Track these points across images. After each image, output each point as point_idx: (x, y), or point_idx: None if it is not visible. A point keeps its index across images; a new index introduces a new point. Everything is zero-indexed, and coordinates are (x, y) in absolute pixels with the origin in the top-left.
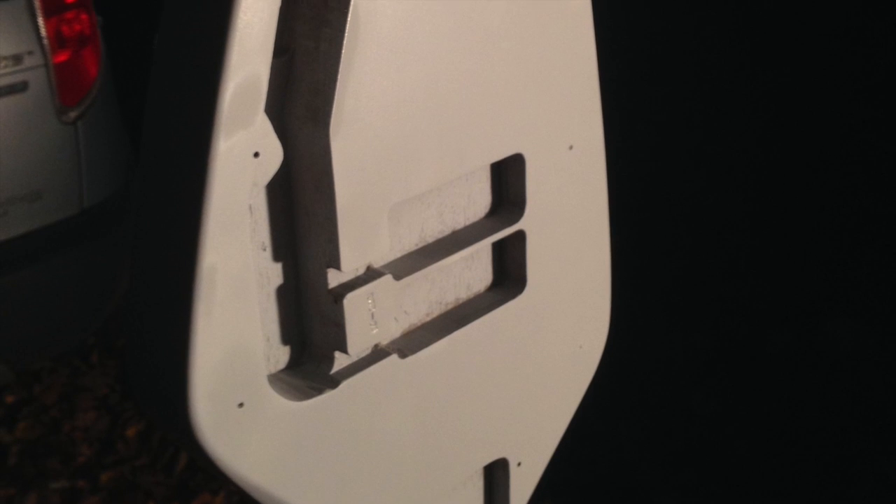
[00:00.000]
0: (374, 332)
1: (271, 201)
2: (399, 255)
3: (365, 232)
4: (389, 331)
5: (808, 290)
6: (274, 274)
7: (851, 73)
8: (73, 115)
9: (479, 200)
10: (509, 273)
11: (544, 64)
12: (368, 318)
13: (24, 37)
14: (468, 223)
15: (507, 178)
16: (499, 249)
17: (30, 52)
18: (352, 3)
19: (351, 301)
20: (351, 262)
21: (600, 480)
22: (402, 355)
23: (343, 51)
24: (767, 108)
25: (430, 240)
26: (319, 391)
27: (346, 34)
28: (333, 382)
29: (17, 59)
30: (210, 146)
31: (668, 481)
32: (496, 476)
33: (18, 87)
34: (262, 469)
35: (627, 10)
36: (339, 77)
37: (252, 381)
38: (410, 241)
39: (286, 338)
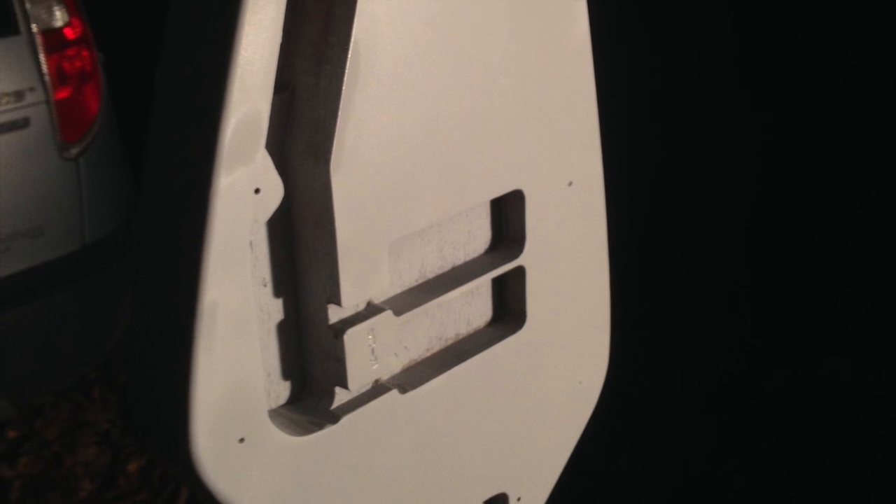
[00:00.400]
0: (375, 367)
1: (272, 237)
2: (399, 290)
3: (365, 268)
4: (390, 366)
5: (807, 327)
6: (275, 309)
7: (852, 110)
8: (74, 151)
9: (478, 236)
10: (509, 308)
11: (544, 100)
12: (369, 353)
13: (25, 73)
14: (468, 259)
15: (507, 214)
16: (498, 285)
17: (31, 89)
18: (352, 39)
19: (351, 337)
20: (351, 297)
21: None
22: (403, 390)
23: (343, 87)
24: (766, 145)
25: (431, 275)
26: (320, 426)
27: (346, 71)
28: (334, 418)
29: (18, 95)
30: (211, 182)
31: None
32: None
33: (20, 124)
34: None
35: (627, 46)
36: (340, 113)
37: (253, 417)
38: (411, 277)
39: (287, 373)
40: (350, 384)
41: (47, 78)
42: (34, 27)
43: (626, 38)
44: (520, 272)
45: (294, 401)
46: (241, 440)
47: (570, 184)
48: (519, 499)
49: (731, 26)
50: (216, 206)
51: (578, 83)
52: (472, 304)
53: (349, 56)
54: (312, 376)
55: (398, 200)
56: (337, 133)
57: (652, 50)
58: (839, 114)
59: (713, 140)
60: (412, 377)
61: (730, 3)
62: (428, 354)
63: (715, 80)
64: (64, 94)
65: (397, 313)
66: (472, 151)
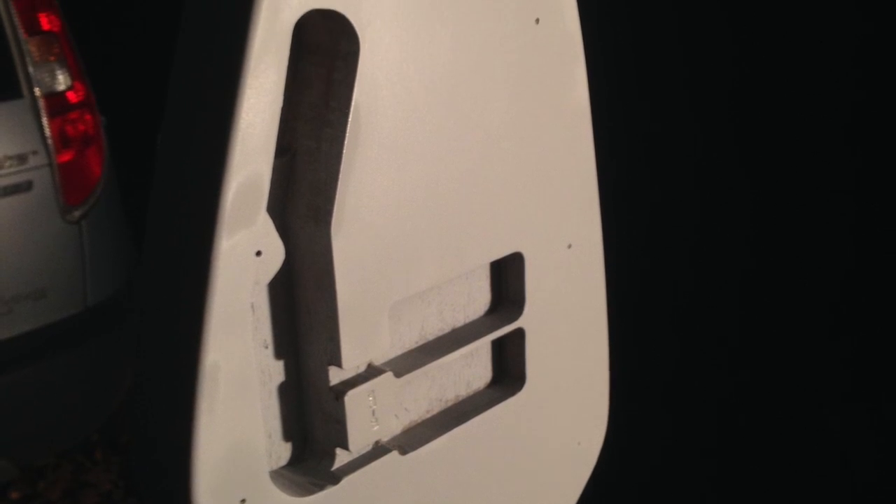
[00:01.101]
0: (375, 428)
1: (273, 299)
2: (400, 352)
3: (366, 330)
4: (390, 427)
5: (805, 382)
6: (276, 371)
7: (844, 182)
8: (77, 214)
9: (478, 298)
10: (508, 370)
11: (543, 163)
12: (369, 415)
13: (28, 137)
14: (468, 321)
15: (507, 277)
16: (498, 347)
17: (34, 152)
18: (353, 103)
19: (352, 398)
20: (352, 359)
21: None
22: (403, 452)
23: (344, 151)
24: (761, 215)
25: (431, 337)
26: (321, 487)
27: (347, 134)
28: (335, 479)
29: (21, 158)
30: (212, 245)
31: None
32: None
33: (23, 187)
34: None
35: (626, 111)
36: (341, 176)
37: (254, 478)
38: (411, 339)
39: (288, 434)
40: (351, 445)
41: (50, 141)
42: (37, 91)
43: (625, 100)
44: (519, 334)
45: (295, 462)
46: (243, 501)
47: (570, 246)
48: None
49: (727, 93)
50: (218, 269)
51: (577, 146)
52: (471, 366)
53: (350, 120)
54: (313, 437)
55: (399, 263)
56: (338, 196)
57: (652, 115)
58: (833, 174)
59: (711, 204)
60: (412, 438)
61: (728, 69)
62: (428, 416)
63: (715, 148)
64: (67, 157)
65: (398, 375)
66: (473, 214)
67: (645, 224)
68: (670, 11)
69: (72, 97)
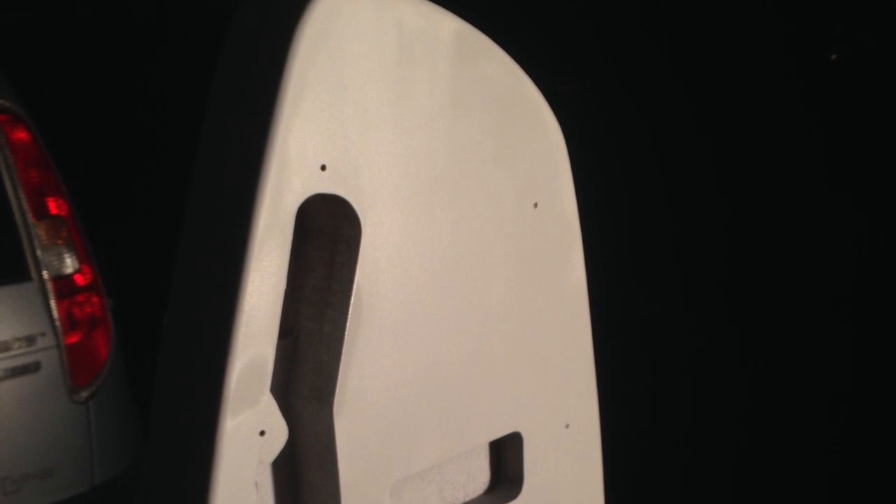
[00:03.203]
0: None
1: (276, 478)
2: None
3: None
4: None
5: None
6: None
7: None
8: (84, 394)
9: (478, 477)
10: None
11: (541, 345)
12: None
13: (37, 319)
14: (468, 499)
15: (506, 456)
16: None
17: (42, 334)
18: (355, 286)
19: None
20: None
21: None
22: None
23: (346, 333)
24: (755, 388)
25: None
26: None
27: (349, 316)
28: None
29: (30, 340)
30: (217, 425)
31: None
32: None
33: (32, 368)
34: None
35: (623, 294)
36: (343, 358)
37: None
38: None
39: None
40: None
41: (58, 323)
42: (45, 274)
43: (620, 283)
44: None
45: None
46: None
47: (567, 426)
48: None
49: (721, 262)
50: (222, 449)
51: (575, 328)
52: None
53: (352, 302)
54: None
55: (400, 442)
56: (340, 377)
57: (647, 296)
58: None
59: (705, 380)
60: None
61: (719, 232)
62: None
63: (707, 325)
64: (74, 339)
65: None
66: (472, 394)
67: (643, 404)
68: (661, 192)
69: (79, 280)
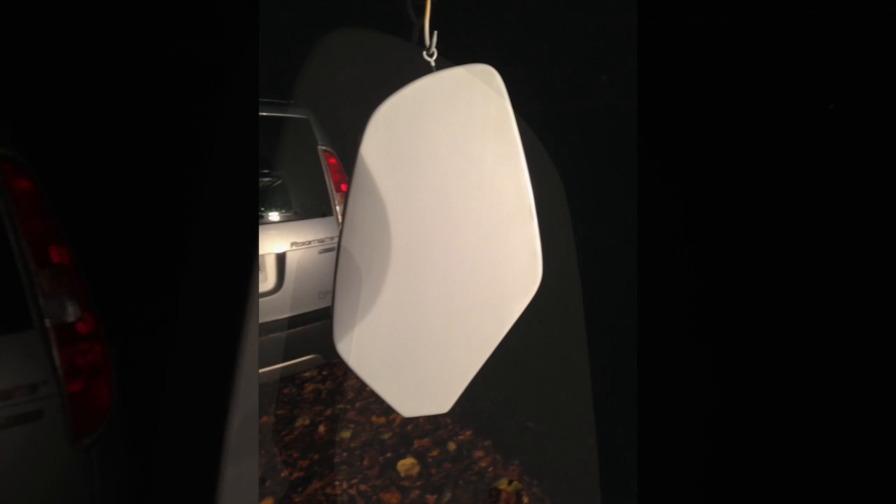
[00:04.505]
0: None
1: None
2: None
3: None
4: None
5: None
6: None
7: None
8: (86, 441)
9: None
10: None
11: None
12: None
13: (39, 366)
14: None
15: None
16: None
17: (44, 382)
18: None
19: None
20: None
21: None
22: None
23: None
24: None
25: None
26: None
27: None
28: None
29: (32, 388)
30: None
31: None
32: None
33: (34, 416)
34: None
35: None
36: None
37: None
38: None
39: None
40: None
41: (60, 371)
42: (47, 322)
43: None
44: None
45: None
46: None
47: None
48: None
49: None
50: None
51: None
52: None
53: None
54: None
55: None
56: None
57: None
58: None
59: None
60: None
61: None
62: None
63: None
64: (76, 386)
65: None
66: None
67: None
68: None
69: (81, 328)
